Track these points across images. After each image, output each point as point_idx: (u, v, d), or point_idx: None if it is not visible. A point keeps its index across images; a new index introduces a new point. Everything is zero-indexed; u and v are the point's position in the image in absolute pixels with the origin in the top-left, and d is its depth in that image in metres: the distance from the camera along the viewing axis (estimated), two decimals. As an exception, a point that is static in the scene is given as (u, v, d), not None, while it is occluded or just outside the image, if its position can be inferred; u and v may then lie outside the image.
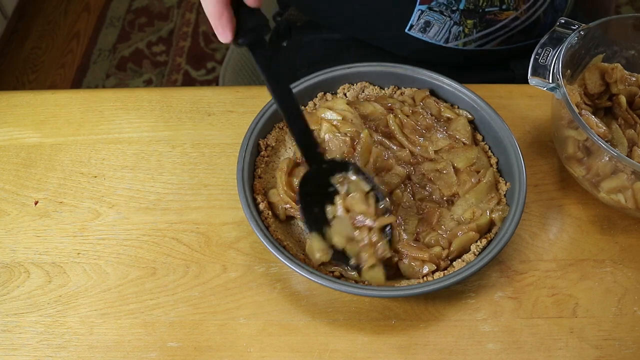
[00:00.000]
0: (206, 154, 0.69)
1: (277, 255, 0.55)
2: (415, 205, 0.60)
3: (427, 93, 0.67)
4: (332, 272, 0.57)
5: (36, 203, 0.65)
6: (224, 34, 0.50)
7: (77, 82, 1.85)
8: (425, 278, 0.56)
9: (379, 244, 0.55)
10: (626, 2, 1.98)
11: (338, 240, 0.55)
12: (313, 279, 0.54)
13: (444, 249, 0.57)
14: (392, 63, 0.68)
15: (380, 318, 0.58)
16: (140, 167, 0.68)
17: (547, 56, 0.61)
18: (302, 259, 0.57)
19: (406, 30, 0.78)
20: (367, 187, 0.56)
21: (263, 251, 0.61)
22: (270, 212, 0.60)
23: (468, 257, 0.57)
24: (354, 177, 0.56)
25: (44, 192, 0.66)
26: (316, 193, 0.56)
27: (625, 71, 0.67)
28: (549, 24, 0.81)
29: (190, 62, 1.89)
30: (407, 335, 0.57)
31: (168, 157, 0.69)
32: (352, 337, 0.57)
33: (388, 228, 0.56)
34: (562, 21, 0.64)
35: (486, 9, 0.75)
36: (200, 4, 1.84)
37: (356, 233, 0.55)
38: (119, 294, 0.59)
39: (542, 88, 0.61)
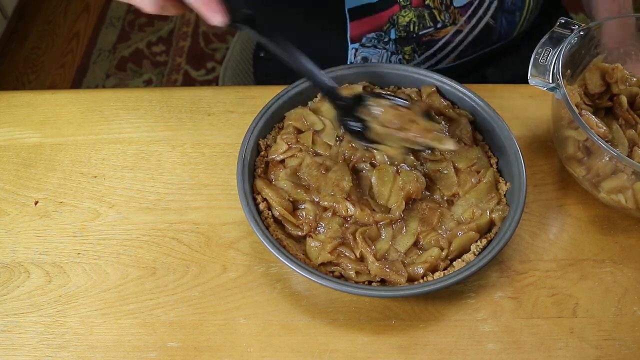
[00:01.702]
0: (206, 154, 0.69)
1: (277, 255, 0.55)
2: (416, 206, 0.60)
3: (434, 89, 0.67)
4: (332, 272, 0.57)
5: (36, 203, 0.65)
6: (217, 16, 0.51)
7: (77, 82, 1.85)
8: (425, 278, 0.56)
9: (428, 126, 0.59)
10: (626, 2, 1.97)
11: (396, 146, 0.59)
12: (313, 279, 0.54)
13: (443, 249, 0.57)
14: (392, 63, 0.68)
15: (380, 318, 0.58)
16: (140, 167, 0.68)
17: (547, 56, 0.61)
18: (302, 259, 0.57)
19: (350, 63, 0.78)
20: (388, 103, 0.60)
21: (263, 251, 0.61)
22: (270, 212, 0.60)
23: (468, 257, 0.57)
24: (373, 103, 0.60)
25: (44, 192, 0.66)
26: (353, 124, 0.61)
27: (626, 71, 0.66)
28: (507, 27, 0.79)
29: (190, 62, 1.89)
30: (407, 335, 0.57)
31: (168, 157, 0.69)
32: (352, 337, 0.57)
33: (426, 114, 0.60)
34: (562, 21, 0.64)
35: (420, 32, 0.74)
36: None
37: (404, 134, 0.59)
38: (119, 294, 0.59)
39: (542, 88, 0.61)
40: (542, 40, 0.63)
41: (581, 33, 0.63)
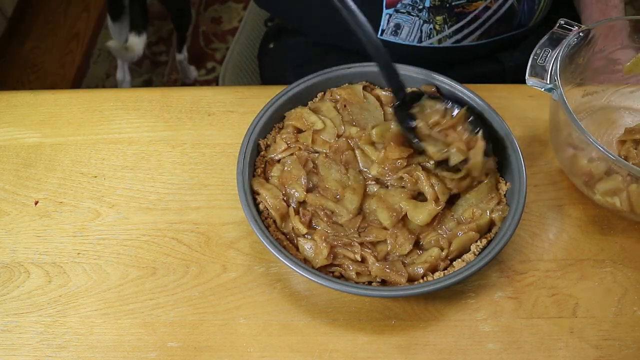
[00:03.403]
0: (206, 154, 0.69)
1: (277, 255, 0.55)
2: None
3: (434, 89, 0.67)
4: (332, 272, 0.57)
5: (36, 203, 0.65)
6: None
7: (77, 82, 1.85)
8: (425, 278, 0.56)
9: (466, 136, 0.60)
10: (626, 1, 1.98)
11: (435, 152, 0.59)
12: (313, 279, 0.54)
13: (443, 249, 0.57)
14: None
15: (380, 318, 0.58)
16: (140, 167, 0.68)
17: (546, 57, 0.61)
18: (302, 259, 0.57)
19: (378, 36, 0.78)
20: (442, 106, 0.62)
21: (263, 251, 0.61)
22: (270, 212, 0.59)
23: (468, 257, 0.57)
24: (428, 103, 0.62)
25: (44, 192, 0.66)
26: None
27: None
28: (527, 14, 0.81)
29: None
30: (407, 335, 0.57)
31: (168, 157, 0.69)
32: (352, 337, 0.57)
33: (473, 124, 0.61)
34: (562, 22, 0.64)
35: (453, 3, 0.75)
36: (200, 4, 1.83)
37: (445, 139, 0.60)
38: (119, 294, 0.59)
39: (539, 89, 0.61)
40: (542, 41, 0.63)
41: (580, 34, 0.63)
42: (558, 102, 0.59)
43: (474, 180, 0.61)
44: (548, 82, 0.60)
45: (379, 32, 0.78)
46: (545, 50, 0.62)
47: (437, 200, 0.58)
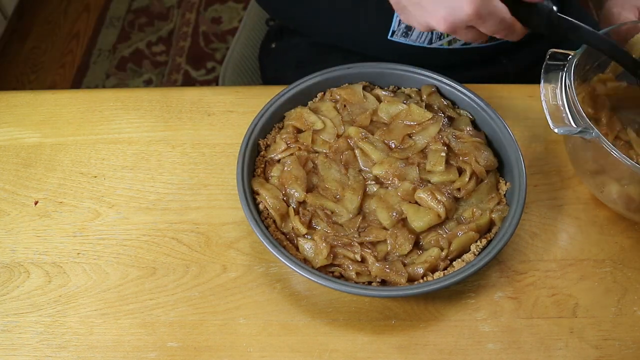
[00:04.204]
0: (206, 154, 0.69)
1: (277, 255, 0.55)
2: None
3: (434, 89, 0.67)
4: (332, 272, 0.57)
5: (36, 203, 0.65)
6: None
7: (77, 82, 1.85)
8: (425, 278, 0.56)
9: None
10: (626, 2, 1.97)
11: None
12: (313, 279, 0.54)
13: (443, 249, 0.57)
14: (392, 63, 0.68)
15: (380, 318, 0.58)
16: (140, 167, 0.68)
17: (556, 94, 0.58)
18: (302, 259, 0.57)
19: (389, 37, 0.78)
20: None
21: (263, 251, 0.61)
22: (270, 212, 0.59)
23: (468, 257, 0.57)
24: None
25: (44, 192, 0.66)
26: None
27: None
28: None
29: (190, 62, 1.89)
30: (407, 335, 0.57)
31: (168, 157, 0.69)
32: (352, 337, 0.57)
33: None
34: (550, 53, 0.61)
35: None
36: (200, 4, 1.84)
37: None
38: (119, 294, 0.59)
39: (572, 135, 0.57)
40: (542, 79, 0.59)
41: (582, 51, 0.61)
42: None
43: (478, 180, 0.61)
44: (574, 124, 0.56)
45: (390, 34, 0.78)
46: (551, 90, 0.59)
47: (439, 214, 0.58)
